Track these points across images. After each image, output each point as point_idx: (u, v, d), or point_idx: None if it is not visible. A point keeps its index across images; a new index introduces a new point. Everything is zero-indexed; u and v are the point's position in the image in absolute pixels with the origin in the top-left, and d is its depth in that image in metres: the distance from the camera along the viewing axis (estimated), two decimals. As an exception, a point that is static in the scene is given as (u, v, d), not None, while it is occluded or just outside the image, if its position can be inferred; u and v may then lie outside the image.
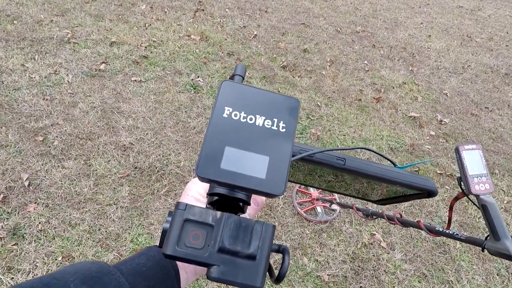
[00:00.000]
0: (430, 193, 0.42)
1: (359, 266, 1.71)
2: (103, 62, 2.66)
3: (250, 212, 0.43)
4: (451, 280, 1.74)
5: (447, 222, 2.15)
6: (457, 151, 0.88)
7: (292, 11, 4.34)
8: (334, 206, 1.90)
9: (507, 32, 5.16)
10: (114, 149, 1.98)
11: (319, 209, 1.89)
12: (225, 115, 0.28)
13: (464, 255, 1.87)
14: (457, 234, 0.95)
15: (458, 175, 0.92)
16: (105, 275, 0.29)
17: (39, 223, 1.55)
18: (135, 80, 2.56)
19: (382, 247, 1.82)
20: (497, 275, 1.82)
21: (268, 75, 2.96)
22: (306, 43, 3.63)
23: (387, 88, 3.14)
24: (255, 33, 3.60)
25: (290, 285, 1.56)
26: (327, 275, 1.63)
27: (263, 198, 0.43)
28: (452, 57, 4.01)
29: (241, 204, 0.29)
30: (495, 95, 3.41)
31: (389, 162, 0.48)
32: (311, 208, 1.90)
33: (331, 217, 1.88)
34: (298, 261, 1.66)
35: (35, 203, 1.63)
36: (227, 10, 4.00)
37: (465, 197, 0.91)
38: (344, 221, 1.89)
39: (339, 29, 4.09)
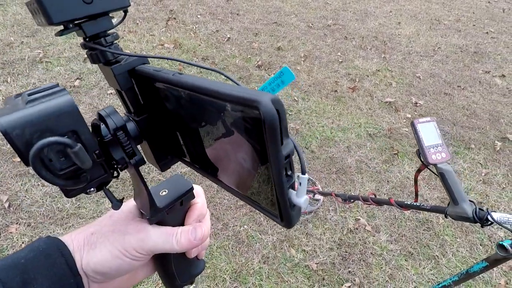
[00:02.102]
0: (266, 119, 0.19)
1: (346, 252, 1.74)
2: (77, 78, 2.64)
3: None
4: (437, 255, 1.79)
5: (429, 199, 2.20)
6: (412, 125, 0.92)
7: (264, 11, 4.39)
8: (318, 196, 1.93)
9: (473, 12, 5.32)
10: (93, 163, 1.98)
11: (303, 200, 1.92)
12: None
13: (448, 230, 1.93)
14: (423, 205, 0.98)
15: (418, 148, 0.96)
16: None
17: (22, 243, 1.54)
18: (111, 93, 2.55)
19: (368, 230, 1.86)
20: (480, 245, 1.87)
21: (244, 76, 2.99)
22: (279, 41, 3.68)
23: (361, 77, 3.21)
24: (228, 36, 3.63)
25: (280, 277, 1.58)
26: (315, 263, 1.65)
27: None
28: (423, 41, 4.11)
29: None
30: (466, 73, 3.51)
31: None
32: (295, 200, 1.93)
33: (315, 207, 1.91)
34: (286, 253, 1.68)
35: (17, 223, 1.61)
36: (199, 16, 4.02)
37: (426, 168, 0.96)
38: (329, 209, 1.92)
39: (310, 25, 4.16)
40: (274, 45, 3.58)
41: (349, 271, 1.66)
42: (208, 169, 0.32)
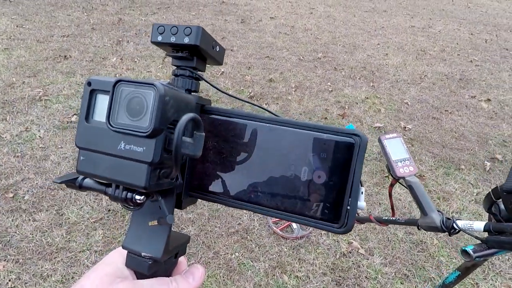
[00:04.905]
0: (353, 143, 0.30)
1: (340, 276, 1.71)
2: (74, 114, 2.75)
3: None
4: (433, 277, 1.75)
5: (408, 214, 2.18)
6: (379, 141, 0.97)
7: (257, 47, 4.63)
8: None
9: (457, 43, 5.58)
10: (86, 195, 2.00)
11: (294, 225, 1.92)
12: None
13: (443, 250, 1.90)
14: (399, 219, 1.01)
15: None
16: None
17: (9, 280, 1.52)
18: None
19: (361, 253, 1.83)
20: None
21: (237, 106, 3.09)
22: (271, 73, 3.85)
23: (351, 104, 3.32)
24: (222, 70, 3.80)
25: (271, 305, 1.55)
26: (308, 289, 1.62)
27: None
28: (409, 70, 4.29)
29: None
30: (453, 98, 3.63)
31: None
32: (286, 226, 1.92)
33: (307, 231, 1.90)
34: (278, 280, 1.65)
35: (5, 260, 1.61)
36: (194, 53, 4.24)
37: (398, 182, 0.99)
38: (321, 233, 1.92)
39: (301, 58, 4.36)
40: (266, 77, 3.74)
41: (343, 297, 1.62)
42: (247, 196, 0.32)
